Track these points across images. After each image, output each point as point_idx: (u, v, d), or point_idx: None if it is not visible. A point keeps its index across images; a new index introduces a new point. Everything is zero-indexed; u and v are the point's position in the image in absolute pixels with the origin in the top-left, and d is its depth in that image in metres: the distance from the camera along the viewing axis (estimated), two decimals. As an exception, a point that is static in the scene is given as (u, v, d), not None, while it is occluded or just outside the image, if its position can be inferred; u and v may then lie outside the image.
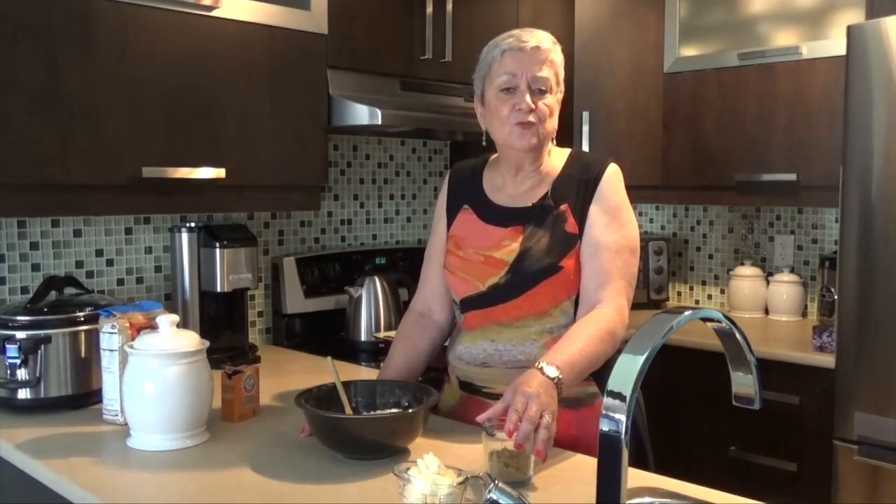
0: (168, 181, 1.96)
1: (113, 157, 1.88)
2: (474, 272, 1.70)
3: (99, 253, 2.25)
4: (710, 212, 3.35)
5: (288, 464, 1.48)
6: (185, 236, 2.23)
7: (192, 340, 1.61)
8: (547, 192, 1.69)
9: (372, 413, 1.60)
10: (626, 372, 1.01)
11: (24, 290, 2.10)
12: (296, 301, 2.59)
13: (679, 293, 3.46)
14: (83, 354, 1.83)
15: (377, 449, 1.48)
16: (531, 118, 1.63)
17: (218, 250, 2.21)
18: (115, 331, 1.70)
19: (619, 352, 1.05)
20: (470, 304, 1.71)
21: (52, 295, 1.92)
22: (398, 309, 2.59)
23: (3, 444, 1.61)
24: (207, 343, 1.64)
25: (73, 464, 1.49)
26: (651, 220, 3.54)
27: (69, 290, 1.96)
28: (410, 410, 1.55)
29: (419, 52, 2.49)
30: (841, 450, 2.26)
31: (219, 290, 2.22)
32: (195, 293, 2.24)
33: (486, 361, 1.69)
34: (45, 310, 1.83)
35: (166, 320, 1.61)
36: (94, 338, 1.79)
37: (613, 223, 1.66)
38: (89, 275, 2.22)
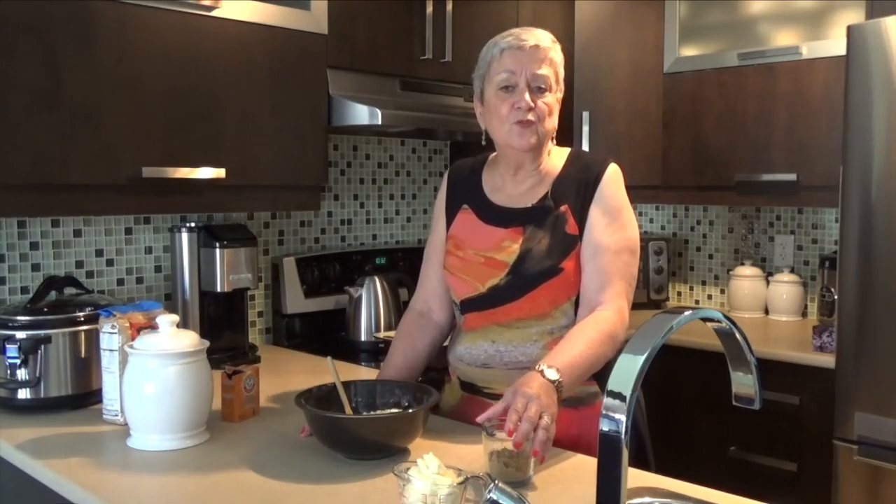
0: (168, 181, 1.96)
1: (113, 157, 1.88)
2: (474, 273, 1.70)
3: (99, 253, 2.25)
4: (710, 212, 3.35)
5: (288, 464, 1.48)
6: (185, 236, 2.23)
7: (192, 340, 1.61)
8: (547, 193, 1.69)
9: (372, 413, 1.60)
10: (626, 372, 1.01)
11: (24, 290, 2.10)
12: (296, 301, 2.59)
13: (679, 293, 3.46)
14: (83, 354, 1.83)
15: (377, 449, 1.48)
16: (530, 116, 1.63)
17: (218, 250, 2.21)
18: (115, 331, 1.70)
19: (619, 352, 1.05)
20: (470, 305, 1.71)
21: (52, 295, 1.92)
22: (398, 309, 2.59)
23: (3, 444, 1.61)
24: (207, 343, 1.63)
25: (73, 464, 1.49)
26: (651, 220, 3.54)
27: (69, 290, 1.96)
28: (410, 410, 1.55)
29: (419, 52, 2.49)
30: (841, 450, 2.26)
31: (219, 290, 2.22)
32: (195, 293, 2.24)
33: (486, 362, 1.69)
34: (45, 310, 1.83)
35: (166, 320, 1.61)
36: (94, 338, 1.79)
37: (614, 224, 1.65)
38: (89, 275, 2.22)
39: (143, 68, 1.91)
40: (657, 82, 3.06)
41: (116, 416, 1.71)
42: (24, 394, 1.79)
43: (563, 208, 1.67)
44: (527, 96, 1.63)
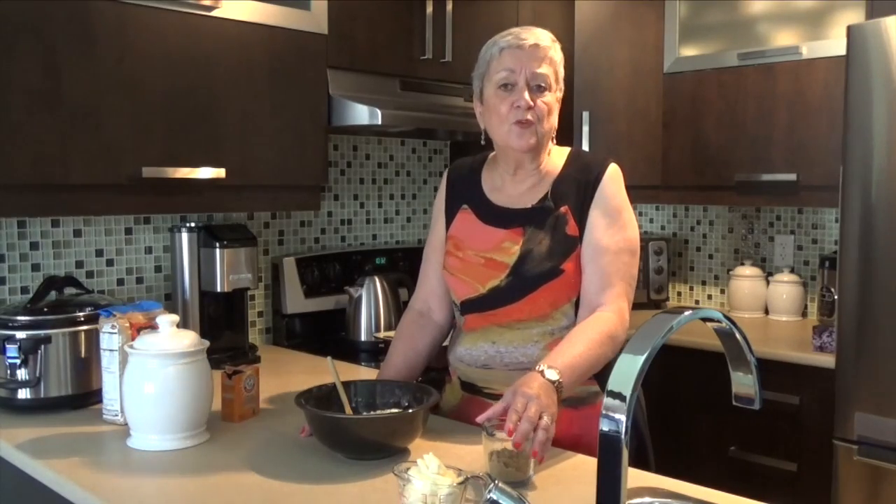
0: (168, 181, 1.96)
1: (113, 157, 1.88)
2: (474, 274, 1.70)
3: (99, 253, 2.25)
4: (710, 212, 3.35)
5: (288, 464, 1.48)
6: (185, 236, 2.23)
7: (192, 340, 1.61)
8: (547, 194, 1.69)
9: (372, 413, 1.60)
10: (626, 372, 1.01)
11: (24, 290, 2.10)
12: (296, 301, 2.59)
13: (679, 293, 3.46)
14: (83, 354, 1.83)
15: (377, 449, 1.48)
16: (529, 116, 1.62)
17: (218, 250, 2.21)
18: (115, 331, 1.70)
19: (620, 352, 1.05)
20: (470, 306, 1.71)
21: (52, 295, 1.92)
22: (398, 309, 2.59)
23: (3, 444, 1.61)
24: (207, 343, 1.63)
25: (73, 464, 1.49)
26: (651, 220, 3.54)
27: (69, 290, 1.96)
28: (410, 410, 1.55)
29: (419, 52, 2.49)
30: (841, 450, 2.26)
31: (219, 290, 2.22)
32: (195, 293, 2.24)
33: (487, 363, 1.69)
34: (45, 310, 1.83)
35: (166, 320, 1.61)
36: (94, 338, 1.79)
37: (614, 225, 1.65)
38: (89, 275, 2.22)
39: (143, 68, 1.91)
40: (657, 82, 3.06)
41: (116, 416, 1.71)
42: (24, 394, 1.79)
43: (563, 209, 1.66)
44: (526, 95, 1.62)
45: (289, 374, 2.21)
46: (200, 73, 2.01)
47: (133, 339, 1.64)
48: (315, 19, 2.24)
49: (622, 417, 0.99)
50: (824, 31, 2.70)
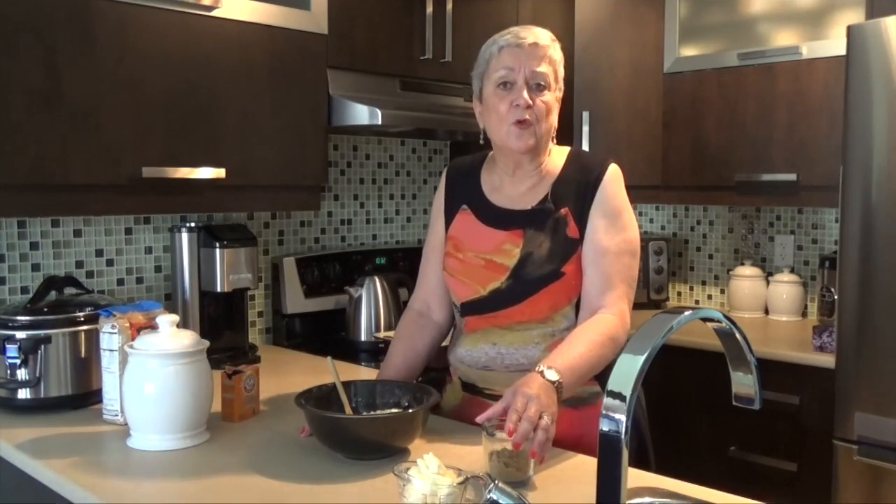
0: (168, 181, 1.96)
1: (113, 157, 1.88)
2: (475, 276, 1.69)
3: (99, 253, 2.25)
4: (710, 212, 3.35)
5: (288, 464, 1.48)
6: (185, 236, 2.23)
7: (191, 340, 1.61)
8: (547, 195, 1.68)
9: (372, 413, 1.60)
10: (626, 372, 1.01)
11: (24, 290, 2.10)
12: (296, 301, 2.59)
13: (679, 293, 3.46)
14: (83, 354, 1.83)
15: (377, 449, 1.48)
16: (528, 115, 1.62)
17: (218, 250, 2.21)
18: (115, 331, 1.70)
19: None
20: (471, 308, 1.71)
21: (52, 295, 1.91)
22: (398, 309, 2.59)
23: (3, 444, 1.61)
24: (207, 343, 1.63)
25: (73, 464, 1.49)
26: (651, 220, 3.54)
27: (69, 290, 1.96)
28: (410, 410, 1.55)
29: (419, 52, 2.49)
30: (841, 450, 2.26)
31: (219, 290, 2.22)
32: (195, 293, 2.24)
33: (487, 365, 1.69)
34: (45, 310, 1.83)
35: (166, 320, 1.61)
36: (94, 338, 1.79)
37: (614, 226, 1.65)
38: (89, 275, 2.22)
39: (143, 68, 1.91)
40: (657, 82, 3.06)
41: (116, 416, 1.71)
42: (24, 394, 1.79)
43: (563, 211, 1.66)
44: (525, 94, 1.62)
45: (289, 374, 2.21)
46: (200, 73, 2.01)
47: (133, 339, 1.64)
48: (315, 19, 2.24)
49: (622, 417, 0.99)
50: (824, 31, 2.70)
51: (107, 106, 1.86)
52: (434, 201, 1.86)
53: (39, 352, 1.78)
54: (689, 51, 3.03)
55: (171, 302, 2.29)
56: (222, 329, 2.29)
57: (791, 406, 2.51)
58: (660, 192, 3.11)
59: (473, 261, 1.70)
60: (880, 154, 2.17)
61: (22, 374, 1.77)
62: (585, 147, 2.94)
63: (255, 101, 2.13)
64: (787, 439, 2.55)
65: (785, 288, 3.02)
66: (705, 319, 1.10)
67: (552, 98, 1.66)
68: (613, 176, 1.68)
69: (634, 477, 1.41)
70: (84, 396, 1.84)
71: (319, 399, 1.55)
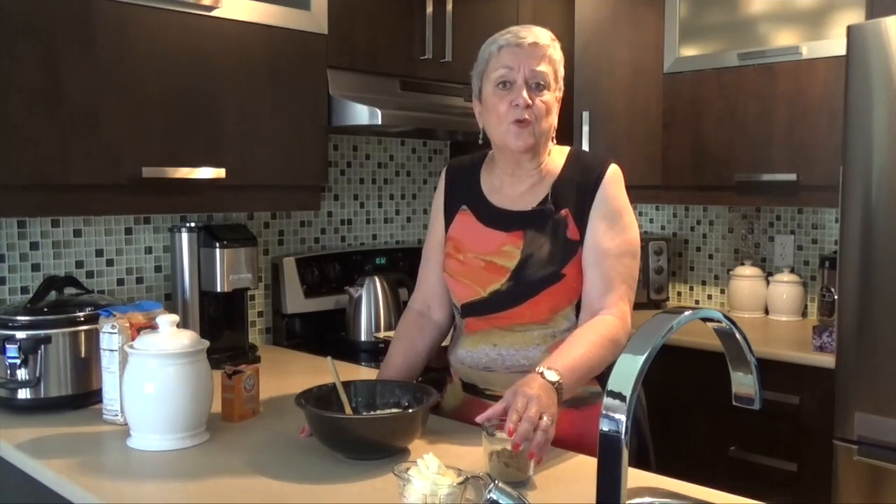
0: (168, 181, 1.96)
1: (113, 157, 1.88)
2: (475, 277, 1.69)
3: (99, 253, 2.25)
4: (710, 212, 3.35)
5: (288, 464, 1.48)
6: (185, 236, 2.23)
7: (191, 340, 1.61)
8: (547, 196, 1.68)
9: (372, 413, 1.60)
10: (626, 372, 1.01)
11: (24, 290, 2.10)
12: (296, 301, 2.59)
13: (679, 293, 3.46)
14: (83, 354, 1.83)
15: (377, 449, 1.48)
16: (527, 114, 1.61)
17: (218, 250, 2.21)
18: (115, 331, 1.70)
19: (620, 353, 1.05)
20: (471, 309, 1.71)
21: (52, 295, 1.92)
22: (398, 309, 2.59)
23: (3, 444, 1.61)
24: (207, 343, 1.63)
25: (73, 464, 1.49)
26: (651, 220, 3.54)
27: (69, 290, 1.96)
28: (410, 410, 1.55)
29: (419, 52, 2.49)
30: (841, 450, 2.26)
31: (219, 290, 2.22)
32: (195, 293, 2.24)
33: (488, 366, 1.69)
34: (45, 310, 1.83)
35: (166, 320, 1.61)
36: (94, 338, 1.79)
37: (615, 227, 1.65)
38: (89, 275, 2.22)
39: (143, 68, 1.91)
40: (657, 82, 3.06)
41: (116, 416, 1.71)
42: (24, 394, 1.79)
43: (563, 212, 1.65)
44: (524, 93, 1.61)
45: (289, 374, 2.21)
46: (200, 73, 2.01)
47: (133, 339, 1.64)
48: (315, 19, 2.24)
49: (622, 417, 0.99)
50: (824, 31, 2.70)
51: (107, 106, 1.86)
52: (433, 201, 1.86)
53: (39, 352, 1.78)
54: (689, 51, 3.03)
55: (171, 302, 2.29)
56: (222, 329, 2.29)
57: (791, 406, 2.51)
58: (660, 192, 3.11)
59: (474, 262, 1.70)
60: (880, 154, 2.17)
61: (22, 374, 1.77)
62: (585, 147, 2.94)
63: (255, 101, 2.13)
64: (787, 439, 2.55)
65: (785, 288, 3.02)
66: (705, 319, 1.10)
67: (552, 98, 1.66)
68: (614, 176, 1.68)
69: (634, 477, 1.41)
70: (84, 396, 1.84)
71: (319, 399, 1.55)
